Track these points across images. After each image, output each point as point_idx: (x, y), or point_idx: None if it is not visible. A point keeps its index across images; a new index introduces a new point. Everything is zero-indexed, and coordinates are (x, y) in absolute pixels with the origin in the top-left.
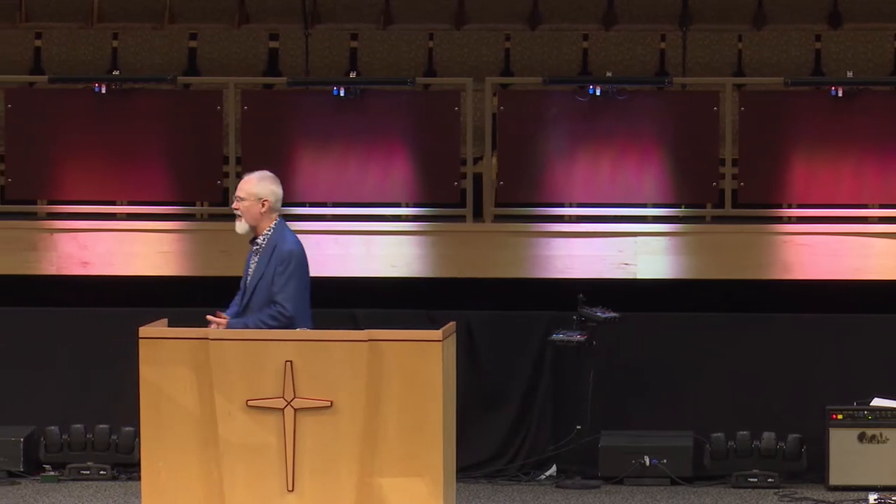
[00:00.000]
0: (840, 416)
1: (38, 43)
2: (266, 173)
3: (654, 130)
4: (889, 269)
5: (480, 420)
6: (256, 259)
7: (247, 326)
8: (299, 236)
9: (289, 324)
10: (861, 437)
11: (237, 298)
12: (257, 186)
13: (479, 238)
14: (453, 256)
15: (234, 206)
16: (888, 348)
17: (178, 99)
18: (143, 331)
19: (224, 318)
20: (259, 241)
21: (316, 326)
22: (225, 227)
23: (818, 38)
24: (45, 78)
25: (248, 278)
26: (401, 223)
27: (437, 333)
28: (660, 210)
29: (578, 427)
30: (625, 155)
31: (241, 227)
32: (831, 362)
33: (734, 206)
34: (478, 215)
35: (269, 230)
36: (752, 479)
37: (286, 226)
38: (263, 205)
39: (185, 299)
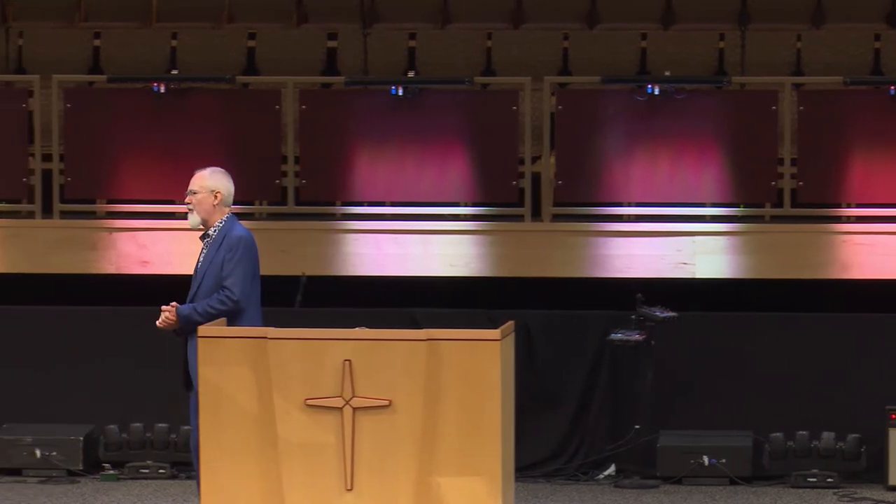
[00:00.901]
0: None
1: (96, 43)
2: (217, 168)
3: (712, 130)
4: None
5: (539, 419)
6: (206, 251)
7: (195, 311)
8: (357, 236)
9: (236, 308)
10: None
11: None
12: (209, 180)
13: (537, 237)
14: (512, 256)
15: (186, 200)
16: None
17: (236, 98)
18: (202, 330)
19: (172, 307)
20: (210, 232)
21: (375, 325)
22: (283, 226)
23: (877, 37)
24: (103, 77)
25: (198, 268)
26: (459, 222)
27: (495, 333)
28: (718, 209)
29: (637, 427)
30: (683, 154)
31: (193, 220)
32: (891, 362)
33: (793, 205)
34: (536, 215)
35: (220, 223)
36: (811, 479)
37: (237, 220)
38: (216, 197)
39: None
